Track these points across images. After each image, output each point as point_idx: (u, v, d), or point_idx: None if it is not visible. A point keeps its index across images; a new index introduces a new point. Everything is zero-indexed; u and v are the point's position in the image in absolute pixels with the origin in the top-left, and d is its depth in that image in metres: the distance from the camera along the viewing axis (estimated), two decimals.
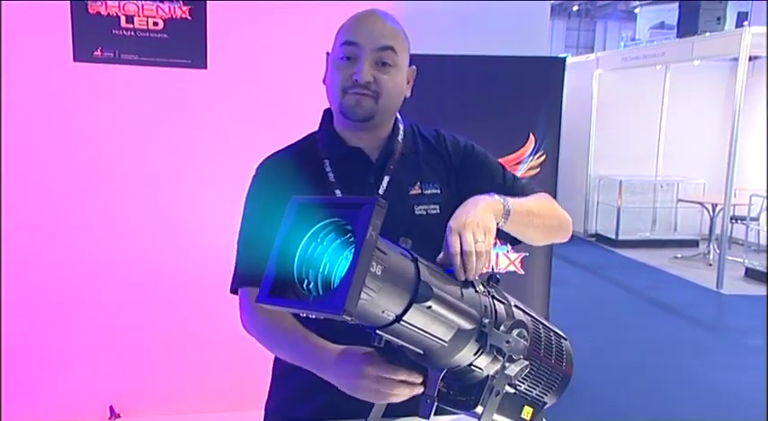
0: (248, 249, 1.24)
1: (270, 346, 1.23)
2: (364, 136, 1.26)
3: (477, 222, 1.04)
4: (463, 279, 0.99)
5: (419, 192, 1.27)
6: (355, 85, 1.18)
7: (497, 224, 1.11)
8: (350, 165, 1.26)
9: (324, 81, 1.26)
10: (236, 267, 1.27)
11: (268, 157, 1.31)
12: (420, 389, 1.02)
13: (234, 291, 1.27)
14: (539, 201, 1.28)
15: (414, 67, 1.28)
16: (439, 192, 1.28)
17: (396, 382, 1.01)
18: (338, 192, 1.24)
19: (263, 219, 1.17)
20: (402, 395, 1.02)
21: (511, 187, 1.31)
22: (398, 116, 1.31)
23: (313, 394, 1.25)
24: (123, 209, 2.72)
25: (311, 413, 1.26)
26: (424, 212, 1.24)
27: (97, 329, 2.78)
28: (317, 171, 1.25)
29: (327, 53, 1.25)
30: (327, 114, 1.31)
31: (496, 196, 1.15)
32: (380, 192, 1.26)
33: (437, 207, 1.26)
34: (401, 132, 1.30)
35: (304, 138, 1.33)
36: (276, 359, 1.36)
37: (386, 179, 1.26)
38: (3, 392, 2.64)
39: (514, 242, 1.29)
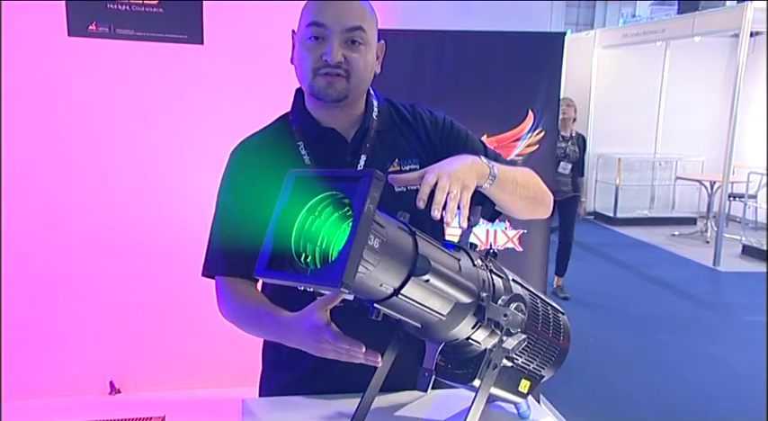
0: (225, 237, 1.22)
1: (245, 329, 1.21)
2: (338, 115, 1.24)
3: (457, 176, 1.00)
4: (428, 210, 0.94)
5: (398, 168, 1.24)
6: (326, 65, 1.15)
7: (481, 186, 1.09)
8: (325, 146, 1.24)
9: (291, 61, 1.24)
10: (210, 252, 1.25)
11: (241, 143, 1.28)
12: (361, 360, 0.98)
13: (209, 275, 1.25)
14: (523, 174, 1.25)
15: (383, 41, 1.25)
16: (418, 167, 1.24)
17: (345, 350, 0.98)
18: None
19: (240, 207, 1.19)
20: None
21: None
22: (372, 92, 1.29)
23: (309, 378, 1.26)
24: (120, 184, 2.72)
25: (308, 393, 1.26)
26: (405, 189, 1.19)
27: (98, 306, 2.79)
28: (292, 154, 1.23)
29: (293, 31, 1.22)
30: (299, 94, 1.29)
31: (483, 158, 1.12)
32: None
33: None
34: (375, 108, 1.28)
35: (277, 120, 1.31)
36: (265, 350, 1.36)
37: (363, 158, 1.24)
38: (4, 368, 2.65)
39: (494, 217, 1.26)
